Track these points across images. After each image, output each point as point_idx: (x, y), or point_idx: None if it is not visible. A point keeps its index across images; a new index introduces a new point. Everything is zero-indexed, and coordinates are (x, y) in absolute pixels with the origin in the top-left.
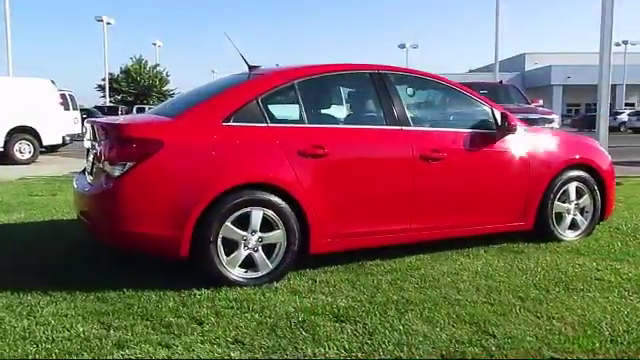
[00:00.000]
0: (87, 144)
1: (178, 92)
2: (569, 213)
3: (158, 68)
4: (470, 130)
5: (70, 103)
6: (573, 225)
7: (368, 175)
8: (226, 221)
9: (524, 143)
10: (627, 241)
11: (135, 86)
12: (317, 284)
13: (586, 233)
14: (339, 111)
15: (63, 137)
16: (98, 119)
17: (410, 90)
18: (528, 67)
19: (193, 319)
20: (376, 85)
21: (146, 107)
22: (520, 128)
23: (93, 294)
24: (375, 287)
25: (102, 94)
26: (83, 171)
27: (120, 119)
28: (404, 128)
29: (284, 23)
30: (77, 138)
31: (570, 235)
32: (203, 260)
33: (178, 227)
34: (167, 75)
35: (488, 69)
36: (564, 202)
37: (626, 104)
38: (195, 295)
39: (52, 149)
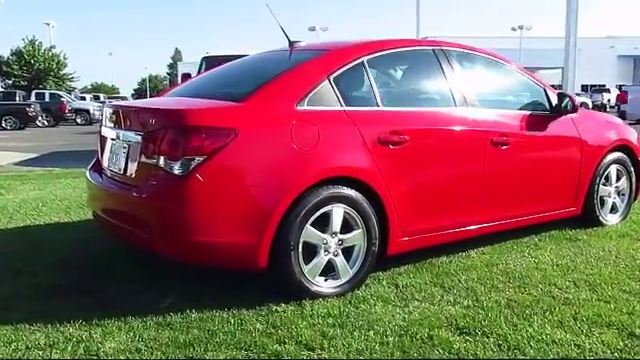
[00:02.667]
0: (109, 133)
1: (78, 76)
2: (610, 196)
3: (54, 50)
4: (530, 112)
5: None
6: (613, 208)
7: (443, 163)
8: (307, 223)
9: (577, 125)
10: None
11: (29, 69)
12: (403, 289)
13: (624, 216)
14: (409, 92)
15: None
16: (133, 103)
17: (472, 68)
18: None
19: (300, 344)
20: (441, 63)
21: (45, 92)
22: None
23: (150, 319)
24: (469, 289)
25: None
26: (95, 164)
27: (169, 103)
28: (473, 110)
29: (188, 10)
30: None
31: (611, 219)
32: (283, 270)
33: (257, 233)
34: (65, 58)
35: None
36: (605, 185)
37: None
38: (277, 312)
39: None
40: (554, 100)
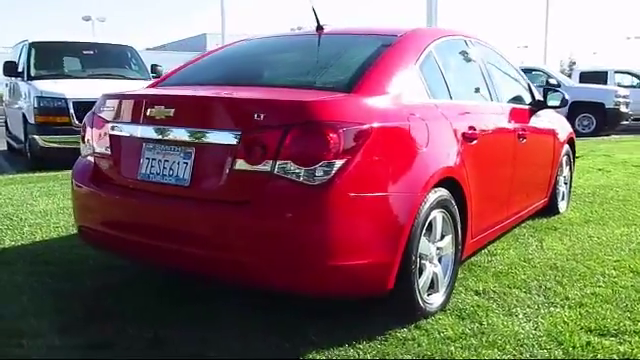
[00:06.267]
0: (137, 132)
1: None
2: (561, 185)
3: None
4: (528, 106)
5: None
6: (562, 196)
7: (497, 158)
8: (422, 233)
9: (553, 119)
10: (602, 207)
11: None
12: (488, 296)
13: (568, 202)
14: (463, 84)
15: None
16: (200, 92)
17: (491, 61)
18: (210, 47)
19: None
20: (472, 53)
21: None
22: None
23: None
24: (544, 288)
25: None
26: (95, 172)
27: (266, 93)
28: (503, 105)
29: None
30: None
31: (562, 206)
32: (406, 290)
33: (392, 249)
34: None
35: (164, 48)
36: (559, 175)
37: None
38: (407, 339)
39: None
40: (537, 95)
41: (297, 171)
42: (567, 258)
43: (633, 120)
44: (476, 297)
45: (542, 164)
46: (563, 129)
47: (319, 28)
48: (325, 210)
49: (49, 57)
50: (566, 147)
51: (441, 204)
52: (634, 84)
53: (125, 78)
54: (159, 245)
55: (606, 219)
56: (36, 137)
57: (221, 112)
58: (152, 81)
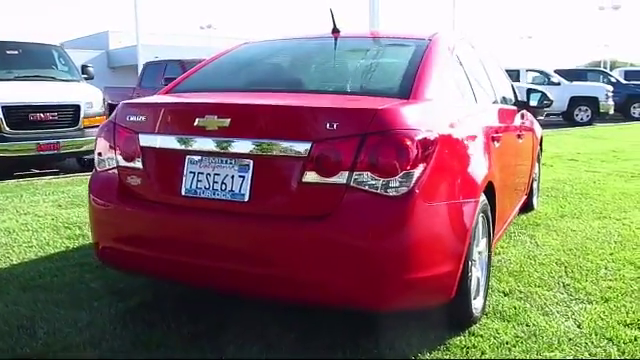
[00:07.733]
0: (185, 143)
1: None
2: (533, 181)
3: None
4: (516, 107)
5: None
6: (534, 192)
7: (508, 159)
8: (474, 238)
9: (531, 118)
10: (567, 201)
11: None
12: (515, 296)
13: (537, 198)
14: (479, 86)
15: None
16: (257, 100)
17: (487, 63)
18: (113, 46)
19: None
20: (477, 56)
21: None
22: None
23: None
24: (561, 284)
25: None
26: (122, 189)
27: (332, 101)
28: (506, 106)
29: None
30: None
31: (535, 201)
32: (464, 297)
33: (457, 258)
34: None
35: (62, 46)
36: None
37: None
38: (467, 346)
39: None
40: (518, 95)
41: (374, 182)
42: (566, 253)
43: (546, 116)
44: (506, 298)
45: (527, 162)
46: (538, 127)
47: (335, 31)
48: (408, 221)
49: None
50: (538, 146)
51: (483, 208)
52: (544, 82)
53: (55, 80)
54: (210, 265)
55: (578, 213)
56: None
57: (288, 121)
58: (84, 82)
